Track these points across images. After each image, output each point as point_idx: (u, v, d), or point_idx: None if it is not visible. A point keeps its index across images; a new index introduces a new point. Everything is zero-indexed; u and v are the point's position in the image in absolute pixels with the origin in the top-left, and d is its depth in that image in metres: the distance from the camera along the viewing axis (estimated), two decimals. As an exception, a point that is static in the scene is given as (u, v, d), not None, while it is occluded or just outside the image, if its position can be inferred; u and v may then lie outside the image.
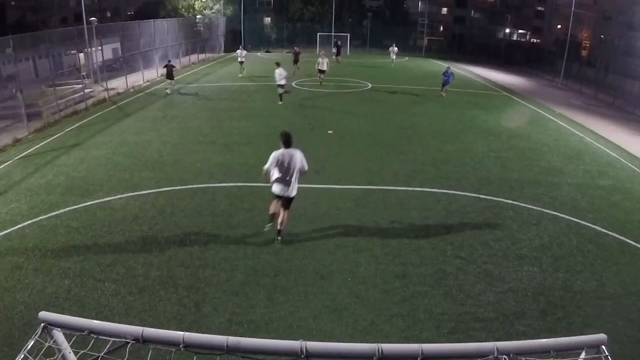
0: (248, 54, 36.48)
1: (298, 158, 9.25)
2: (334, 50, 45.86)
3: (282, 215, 9.63)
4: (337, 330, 7.29)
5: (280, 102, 23.13)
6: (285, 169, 9.15)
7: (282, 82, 22.75)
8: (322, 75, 29.26)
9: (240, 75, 32.55)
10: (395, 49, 43.23)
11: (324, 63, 29.05)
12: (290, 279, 8.61)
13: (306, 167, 9.48)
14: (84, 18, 28.23)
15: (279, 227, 9.72)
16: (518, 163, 15.69)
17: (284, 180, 9.24)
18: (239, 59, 32.93)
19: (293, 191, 9.46)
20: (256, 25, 58.97)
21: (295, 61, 32.80)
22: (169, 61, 26.83)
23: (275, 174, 9.25)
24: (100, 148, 16.01)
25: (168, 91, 25.86)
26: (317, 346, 2.76)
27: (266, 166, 9.19)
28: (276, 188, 9.35)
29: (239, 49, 33.84)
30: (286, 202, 9.55)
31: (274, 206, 9.65)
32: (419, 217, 11.32)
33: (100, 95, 25.29)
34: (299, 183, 9.65)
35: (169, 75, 25.64)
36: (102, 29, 30.48)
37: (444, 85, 26.92)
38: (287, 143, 9.23)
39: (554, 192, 13.26)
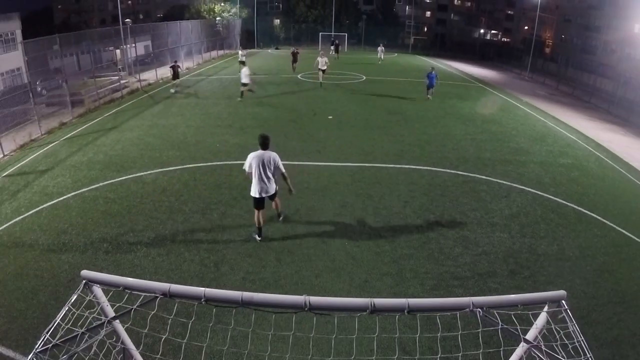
0: (261, 51, 35.56)
1: (272, 159, 7.98)
2: (332, 47, 45.11)
3: (273, 204, 8.73)
4: (336, 287, 7.20)
5: (240, 99, 20.44)
6: (260, 170, 7.95)
7: (246, 80, 20.27)
8: (322, 74, 24.86)
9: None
10: (383, 48, 40.46)
11: (323, 62, 24.90)
12: (295, 243, 8.49)
13: (282, 169, 8.15)
14: (120, 19, 27.89)
15: (276, 211, 8.94)
16: (490, 144, 15.44)
17: (261, 181, 8.01)
18: (240, 59, 29.48)
19: (271, 190, 8.20)
20: (267, 25, 58.24)
21: (294, 61, 30.24)
22: (175, 61, 23.98)
23: (253, 175, 8.07)
24: (133, 130, 15.78)
25: (172, 90, 22.77)
26: (319, 300, 2.74)
27: (245, 167, 8.08)
28: (254, 190, 8.10)
29: (239, 49, 30.45)
30: (270, 198, 8.40)
31: (258, 216, 8.35)
32: (406, 190, 11.14)
33: (134, 85, 24.89)
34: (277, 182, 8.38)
35: (175, 76, 22.85)
36: (135, 29, 30.15)
37: (428, 88, 22.18)
38: (264, 145, 8.06)
39: (521, 169, 13.05)
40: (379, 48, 40.50)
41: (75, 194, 10.40)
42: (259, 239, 8.49)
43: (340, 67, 32.86)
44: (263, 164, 7.97)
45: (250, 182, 8.24)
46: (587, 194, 11.58)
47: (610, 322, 6.63)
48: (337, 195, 10.69)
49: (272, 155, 8.06)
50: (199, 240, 8.49)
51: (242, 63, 28.37)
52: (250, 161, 7.98)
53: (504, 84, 32.18)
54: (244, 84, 20.56)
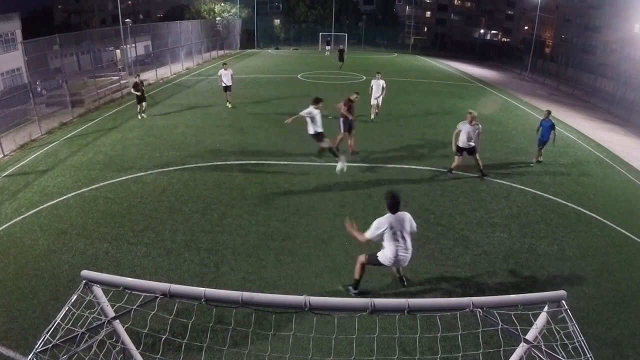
0: (261, 51, 34.18)
1: (410, 221, 6.59)
2: (327, 48, 45.27)
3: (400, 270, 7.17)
4: (336, 287, 7.19)
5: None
6: (399, 236, 6.46)
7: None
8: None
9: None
10: (382, 82, 17.39)
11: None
12: (295, 243, 8.49)
13: (415, 228, 6.69)
14: (120, 19, 27.87)
15: (399, 274, 7.25)
16: (491, 144, 15.41)
17: (400, 249, 6.47)
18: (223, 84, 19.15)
19: (408, 260, 6.67)
20: (267, 26, 58.31)
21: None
22: (138, 76, 18.07)
23: (386, 241, 6.52)
24: (133, 131, 15.77)
25: (142, 116, 17.52)
26: (319, 300, 2.76)
27: (372, 236, 6.53)
28: (386, 258, 6.55)
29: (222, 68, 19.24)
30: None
31: (362, 269, 6.88)
32: (406, 190, 11.13)
33: (134, 85, 24.89)
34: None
35: (141, 98, 17.35)
36: (135, 29, 30.16)
37: (543, 143, 13.44)
38: (394, 207, 6.51)
39: (522, 169, 13.04)
40: (376, 80, 17.50)
41: (76, 194, 10.40)
42: (355, 292, 7.01)
43: (341, 67, 32.80)
44: (402, 226, 6.49)
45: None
46: (586, 194, 11.57)
47: (610, 322, 6.62)
48: (337, 195, 10.69)
49: (408, 216, 6.63)
50: (199, 240, 8.49)
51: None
52: (383, 228, 6.45)
53: (504, 84, 32.16)
54: None
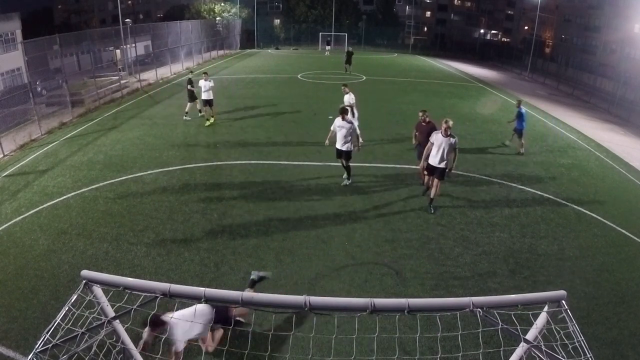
0: (260, 51, 34.28)
1: None
2: (327, 47, 45.15)
3: None
4: (336, 287, 7.19)
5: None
6: None
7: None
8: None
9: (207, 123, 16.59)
10: (348, 98, 14.94)
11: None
12: (295, 243, 8.49)
13: None
14: (120, 19, 27.89)
15: None
16: (490, 144, 15.44)
17: None
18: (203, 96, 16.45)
19: None
20: (267, 26, 58.29)
21: None
22: (190, 77, 16.85)
23: None
24: (133, 130, 15.76)
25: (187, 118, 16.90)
26: (319, 300, 2.73)
27: None
28: None
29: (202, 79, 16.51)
30: None
31: None
32: (406, 190, 11.13)
33: (134, 85, 24.87)
34: None
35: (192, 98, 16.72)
36: (135, 29, 30.16)
37: (519, 133, 14.62)
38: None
39: (522, 169, 13.05)
40: (347, 96, 15.08)
41: (76, 194, 10.40)
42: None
43: (341, 67, 32.80)
44: None
45: None
46: (586, 194, 11.58)
47: (610, 322, 6.63)
48: (338, 195, 10.69)
49: None
50: (199, 240, 8.49)
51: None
52: None
53: (504, 84, 32.15)
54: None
